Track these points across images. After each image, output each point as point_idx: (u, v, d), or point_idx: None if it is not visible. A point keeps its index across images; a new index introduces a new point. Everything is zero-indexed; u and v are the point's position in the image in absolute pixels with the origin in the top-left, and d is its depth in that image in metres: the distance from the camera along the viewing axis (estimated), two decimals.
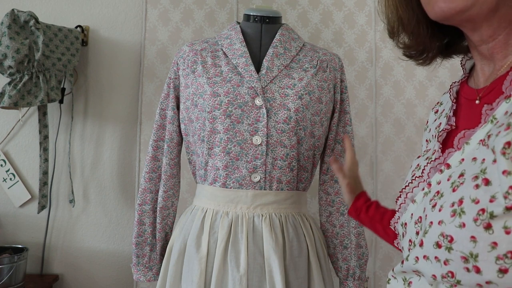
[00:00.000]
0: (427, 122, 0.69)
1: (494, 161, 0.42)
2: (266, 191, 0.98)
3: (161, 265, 1.09)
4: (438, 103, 0.69)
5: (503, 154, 0.40)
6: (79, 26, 1.57)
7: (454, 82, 0.63)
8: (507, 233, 0.39)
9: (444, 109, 0.64)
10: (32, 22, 1.33)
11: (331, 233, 1.10)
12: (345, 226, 1.09)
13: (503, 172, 0.40)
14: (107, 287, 1.58)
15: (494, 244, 0.40)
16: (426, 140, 0.67)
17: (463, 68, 0.64)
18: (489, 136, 0.44)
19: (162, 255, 1.11)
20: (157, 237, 1.10)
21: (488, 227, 0.40)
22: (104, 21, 1.61)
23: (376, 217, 0.83)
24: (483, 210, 0.40)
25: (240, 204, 0.97)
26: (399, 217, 0.60)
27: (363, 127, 1.64)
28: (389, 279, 0.57)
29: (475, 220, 0.41)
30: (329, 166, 1.11)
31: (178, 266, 0.99)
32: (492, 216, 0.40)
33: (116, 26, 1.62)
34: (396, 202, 0.62)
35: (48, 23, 1.43)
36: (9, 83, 1.31)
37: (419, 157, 0.64)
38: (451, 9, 0.50)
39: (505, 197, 0.39)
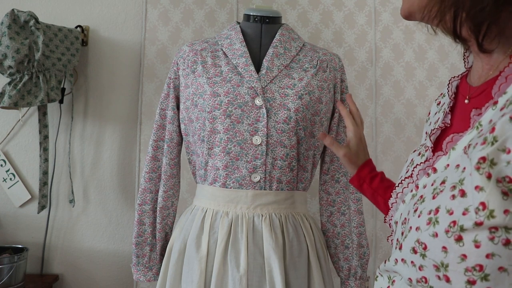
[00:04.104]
0: (429, 113, 0.68)
1: (471, 173, 0.41)
2: (266, 191, 0.98)
3: (161, 265, 1.09)
4: (441, 94, 0.67)
5: (477, 169, 0.40)
6: (79, 26, 1.57)
7: (454, 77, 0.62)
8: (477, 247, 0.39)
9: (444, 103, 0.63)
10: (32, 22, 1.32)
11: (332, 233, 1.10)
12: (346, 226, 1.09)
13: (476, 187, 0.40)
14: (107, 287, 1.58)
15: (464, 257, 0.40)
16: (426, 133, 0.66)
17: (465, 61, 0.62)
18: (469, 145, 0.44)
19: (162, 255, 1.11)
20: (157, 237, 1.10)
21: (459, 239, 0.40)
22: (104, 21, 1.61)
23: (380, 190, 0.81)
24: (454, 222, 0.41)
25: (240, 204, 0.97)
26: (392, 215, 0.61)
27: None
28: (377, 276, 0.59)
29: (447, 232, 0.41)
30: (330, 166, 1.11)
31: (178, 266, 0.99)
32: (462, 229, 0.40)
33: (116, 26, 1.62)
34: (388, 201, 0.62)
35: (48, 23, 1.43)
36: (9, 83, 1.31)
37: (414, 151, 0.64)
38: (403, 10, 0.57)
39: (476, 212, 0.39)
